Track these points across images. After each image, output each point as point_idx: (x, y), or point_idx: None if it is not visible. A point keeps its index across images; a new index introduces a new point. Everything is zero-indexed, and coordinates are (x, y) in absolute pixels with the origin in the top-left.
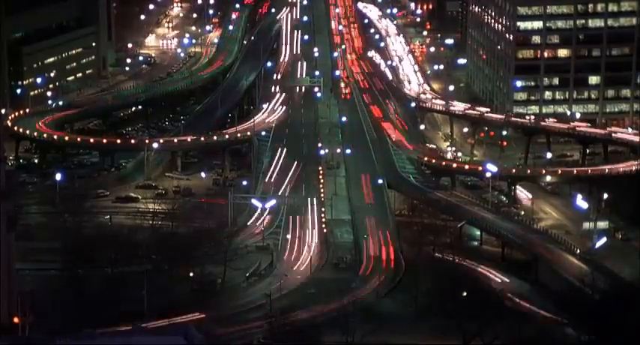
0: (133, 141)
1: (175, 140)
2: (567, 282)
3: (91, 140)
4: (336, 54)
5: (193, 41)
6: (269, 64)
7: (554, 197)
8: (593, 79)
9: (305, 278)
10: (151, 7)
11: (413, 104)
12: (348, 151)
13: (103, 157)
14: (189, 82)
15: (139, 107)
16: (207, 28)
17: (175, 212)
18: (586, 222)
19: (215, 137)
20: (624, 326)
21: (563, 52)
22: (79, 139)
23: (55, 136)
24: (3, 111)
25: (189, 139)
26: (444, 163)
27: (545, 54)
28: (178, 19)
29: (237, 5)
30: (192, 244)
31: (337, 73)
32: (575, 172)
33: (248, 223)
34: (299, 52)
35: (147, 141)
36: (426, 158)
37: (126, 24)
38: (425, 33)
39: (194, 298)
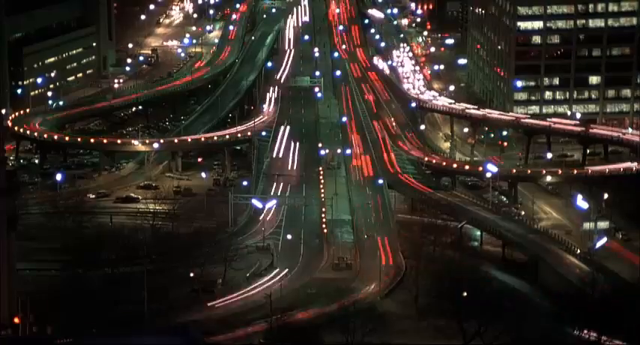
0: (134, 142)
1: (175, 140)
2: (568, 282)
3: (92, 140)
4: (336, 54)
5: (194, 41)
6: (269, 64)
7: (554, 197)
8: (594, 79)
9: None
10: (152, 7)
11: (413, 104)
12: (349, 151)
13: (104, 158)
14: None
15: (140, 107)
16: (208, 27)
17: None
18: (586, 222)
19: (215, 137)
20: (624, 326)
21: (563, 52)
22: (79, 140)
23: (56, 136)
24: (3, 111)
25: (189, 140)
26: (444, 163)
27: (546, 54)
28: (179, 19)
29: (238, 5)
30: (192, 244)
31: (337, 73)
32: (575, 172)
33: None
34: (299, 52)
35: (147, 141)
36: (426, 158)
37: (126, 24)
38: (425, 33)
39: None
